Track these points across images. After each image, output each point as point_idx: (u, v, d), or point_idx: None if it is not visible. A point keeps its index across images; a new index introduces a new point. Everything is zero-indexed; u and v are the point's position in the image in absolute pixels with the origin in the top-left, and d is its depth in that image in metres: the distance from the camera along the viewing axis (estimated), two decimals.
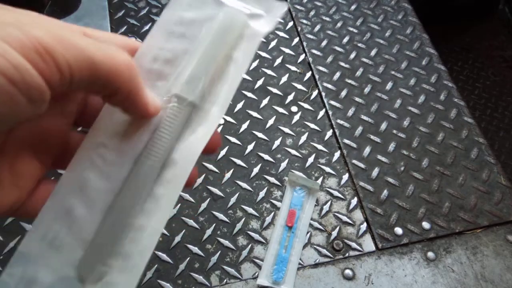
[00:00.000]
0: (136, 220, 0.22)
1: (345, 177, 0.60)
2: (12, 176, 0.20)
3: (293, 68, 0.71)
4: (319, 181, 0.60)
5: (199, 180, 0.59)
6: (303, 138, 0.64)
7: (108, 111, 0.23)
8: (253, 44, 0.23)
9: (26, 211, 0.22)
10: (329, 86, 0.69)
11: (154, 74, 0.23)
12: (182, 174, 0.22)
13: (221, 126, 0.65)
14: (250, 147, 0.63)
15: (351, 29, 0.76)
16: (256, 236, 0.56)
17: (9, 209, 0.21)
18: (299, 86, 0.69)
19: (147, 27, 0.74)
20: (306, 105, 0.67)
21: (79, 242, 0.21)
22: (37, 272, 0.20)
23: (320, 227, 0.56)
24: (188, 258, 0.54)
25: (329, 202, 0.58)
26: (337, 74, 0.70)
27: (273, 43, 0.74)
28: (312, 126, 0.65)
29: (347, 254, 0.54)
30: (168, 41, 0.23)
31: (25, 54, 0.16)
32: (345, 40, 0.75)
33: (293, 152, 0.62)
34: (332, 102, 0.67)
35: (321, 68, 0.71)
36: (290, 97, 0.68)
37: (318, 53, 0.73)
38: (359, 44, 0.74)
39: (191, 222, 0.56)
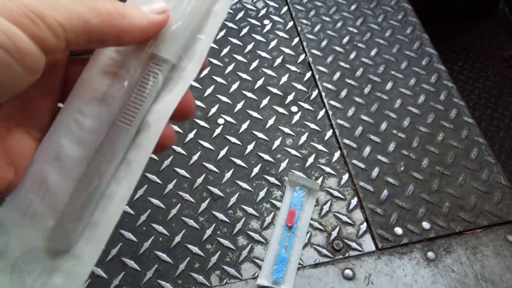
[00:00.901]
0: (107, 187, 0.21)
1: (345, 177, 0.60)
2: (5, 155, 0.20)
3: (293, 68, 0.71)
4: (319, 181, 0.60)
5: (199, 180, 0.59)
6: (303, 138, 0.64)
7: (86, 76, 0.22)
8: None
9: None
10: (329, 86, 0.69)
11: None
12: (152, 137, 0.22)
13: (221, 126, 0.65)
14: (250, 147, 0.63)
15: (351, 29, 0.76)
16: (256, 236, 0.56)
17: (8, 188, 0.21)
18: (299, 86, 0.69)
19: None
20: (306, 105, 0.67)
21: (52, 212, 0.21)
22: (8, 242, 0.20)
23: (320, 227, 0.56)
24: (188, 258, 0.54)
25: (329, 202, 0.58)
26: (337, 74, 0.70)
27: (273, 43, 0.74)
28: (312, 126, 0.65)
29: (347, 254, 0.54)
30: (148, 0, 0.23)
31: (15, 21, 0.16)
32: (345, 40, 0.75)
33: (293, 152, 0.62)
34: (332, 102, 0.67)
35: (321, 68, 0.71)
36: (290, 97, 0.68)
37: (318, 53, 0.73)
38: (359, 44, 0.74)
39: (191, 222, 0.56)
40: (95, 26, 0.18)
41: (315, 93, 0.68)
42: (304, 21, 0.77)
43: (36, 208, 0.21)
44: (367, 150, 0.63)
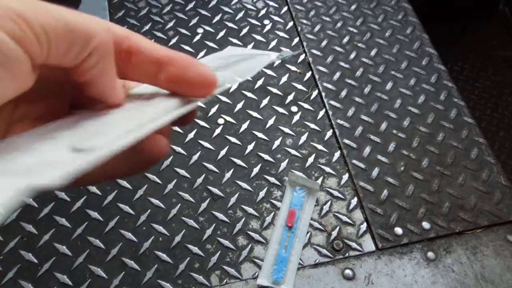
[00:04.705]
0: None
1: (345, 177, 0.60)
2: None
3: (293, 68, 0.71)
4: (319, 181, 0.60)
5: (199, 180, 0.59)
6: (303, 138, 0.64)
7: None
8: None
9: None
10: (329, 86, 0.69)
11: None
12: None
13: (221, 126, 0.65)
14: (250, 147, 0.63)
15: (351, 29, 0.76)
16: (256, 236, 0.56)
17: None
18: (299, 86, 0.69)
19: (147, 27, 0.74)
20: (306, 105, 0.67)
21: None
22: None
23: (320, 227, 0.56)
24: (188, 258, 0.54)
25: (329, 202, 0.58)
26: (337, 74, 0.70)
27: (273, 43, 0.74)
28: (312, 126, 0.65)
29: (347, 254, 0.54)
30: (213, 62, 0.29)
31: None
32: (345, 40, 0.75)
33: (293, 152, 0.62)
34: (332, 102, 0.67)
35: (321, 68, 0.71)
36: (290, 97, 0.68)
37: (318, 53, 0.73)
38: (359, 44, 0.74)
39: (191, 222, 0.56)
40: (80, 32, 0.18)
41: (315, 93, 0.68)
42: (304, 21, 0.77)
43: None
44: (367, 150, 0.63)
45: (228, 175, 0.60)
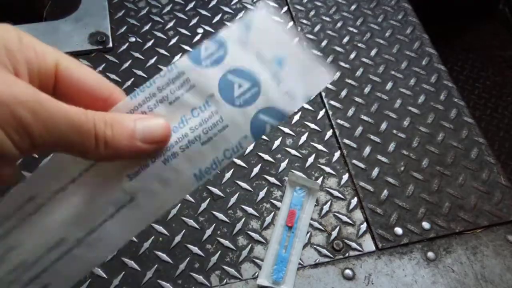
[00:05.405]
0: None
1: (345, 177, 0.60)
2: None
3: None
4: (319, 181, 0.60)
5: None
6: (303, 138, 0.64)
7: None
8: None
9: None
10: (329, 86, 0.69)
11: None
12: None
13: None
14: (250, 147, 0.63)
15: (351, 29, 0.76)
16: (256, 236, 0.56)
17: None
18: None
19: (147, 27, 0.74)
20: (306, 105, 0.67)
21: None
22: None
23: (320, 227, 0.56)
24: (188, 258, 0.54)
25: (329, 202, 0.58)
26: (337, 74, 0.70)
27: None
28: (312, 126, 0.65)
29: (347, 254, 0.54)
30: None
31: (6, 131, 0.19)
32: (345, 40, 0.75)
33: (293, 152, 0.62)
34: (332, 102, 0.67)
35: None
36: None
37: (318, 53, 0.73)
38: (359, 44, 0.74)
39: (191, 222, 0.56)
40: (72, 142, 0.21)
41: None
42: (304, 21, 0.77)
43: None
44: (367, 150, 0.63)
45: (228, 175, 0.60)
